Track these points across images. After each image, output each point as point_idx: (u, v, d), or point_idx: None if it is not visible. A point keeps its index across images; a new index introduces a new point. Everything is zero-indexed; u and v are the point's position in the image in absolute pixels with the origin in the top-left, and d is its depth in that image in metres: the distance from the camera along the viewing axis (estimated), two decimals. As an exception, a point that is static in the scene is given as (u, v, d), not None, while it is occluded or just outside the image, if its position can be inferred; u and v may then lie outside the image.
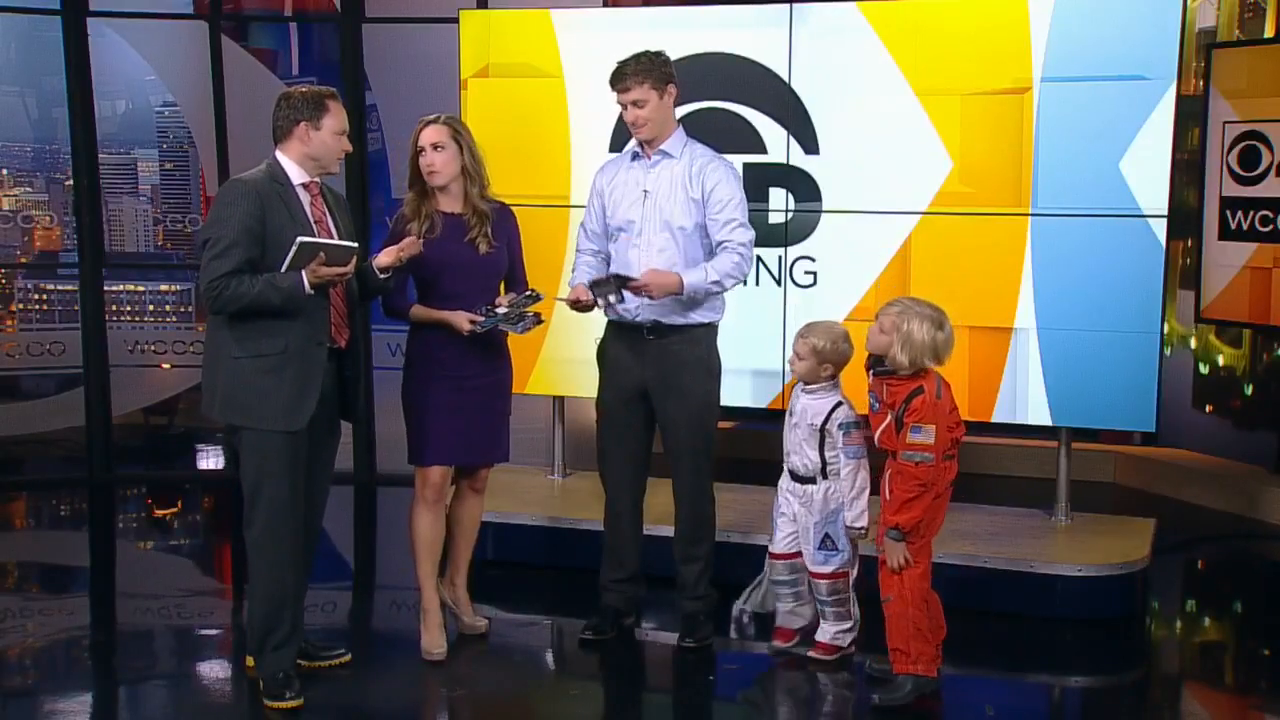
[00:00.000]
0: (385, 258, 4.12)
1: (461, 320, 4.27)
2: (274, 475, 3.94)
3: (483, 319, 4.28)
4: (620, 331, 4.49)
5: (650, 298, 4.30)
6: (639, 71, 4.32)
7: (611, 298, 4.29)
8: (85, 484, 6.84)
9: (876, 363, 4.07)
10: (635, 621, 4.73)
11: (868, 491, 4.26)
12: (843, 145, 5.29)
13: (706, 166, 4.39)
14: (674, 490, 4.58)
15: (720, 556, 4.86)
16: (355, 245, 3.96)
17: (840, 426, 4.26)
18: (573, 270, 4.61)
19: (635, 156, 4.50)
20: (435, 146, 4.30)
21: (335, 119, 4.00)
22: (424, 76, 6.69)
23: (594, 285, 4.30)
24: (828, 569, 4.34)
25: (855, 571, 4.38)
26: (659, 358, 4.42)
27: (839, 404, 4.28)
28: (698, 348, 4.44)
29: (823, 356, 4.28)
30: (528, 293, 4.36)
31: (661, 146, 4.42)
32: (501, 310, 4.29)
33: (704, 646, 4.55)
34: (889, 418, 4.03)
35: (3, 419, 7.16)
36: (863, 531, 4.29)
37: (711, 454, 4.57)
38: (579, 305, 4.37)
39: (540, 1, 5.73)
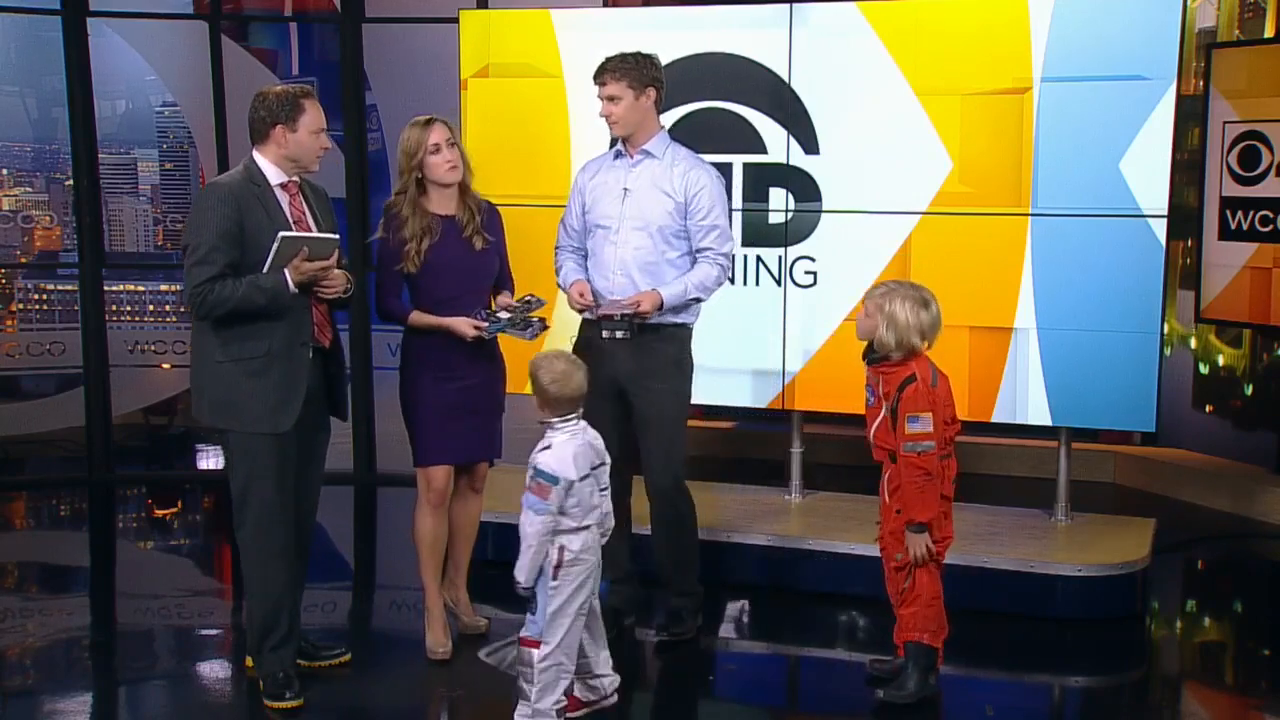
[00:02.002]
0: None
1: (465, 327, 4.27)
2: (262, 477, 3.94)
3: (487, 325, 4.28)
4: (596, 329, 4.48)
5: (644, 318, 4.33)
6: (617, 69, 4.38)
7: (619, 334, 4.33)
8: (85, 484, 6.84)
9: (869, 350, 4.06)
10: (634, 621, 4.72)
11: (530, 554, 3.68)
12: (843, 145, 5.29)
13: (689, 172, 4.42)
14: (648, 490, 4.55)
15: (719, 556, 4.87)
16: (336, 237, 3.96)
17: (531, 470, 3.73)
18: (558, 269, 4.61)
19: (618, 155, 4.53)
20: (449, 143, 4.31)
21: (312, 118, 3.97)
22: (424, 76, 6.68)
23: (603, 320, 4.32)
24: (524, 633, 3.78)
25: (547, 649, 3.73)
26: (632, 355, 4.41)
27: (546, 448, 3.73)
28: (671, 345, 4.45)
29: (536, 387, 3.78)
30: (528, 298, 4.37)
31: (644, 146, 4.46)
32: (505, 316, 4.30)
33: (680, 641, 4.54)
34: (884, 411, 4.01)
35: (3, 419, 7.15)
36: (527, 592, 3.74)
37: (683, 451, 4.57)
38: (584, 303, 4.40)
39: (540, 1, 5.73)
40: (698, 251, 4.43)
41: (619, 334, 4.33)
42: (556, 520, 3.70)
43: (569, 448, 3.73)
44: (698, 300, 4.44)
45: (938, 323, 4.00)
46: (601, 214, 4.48)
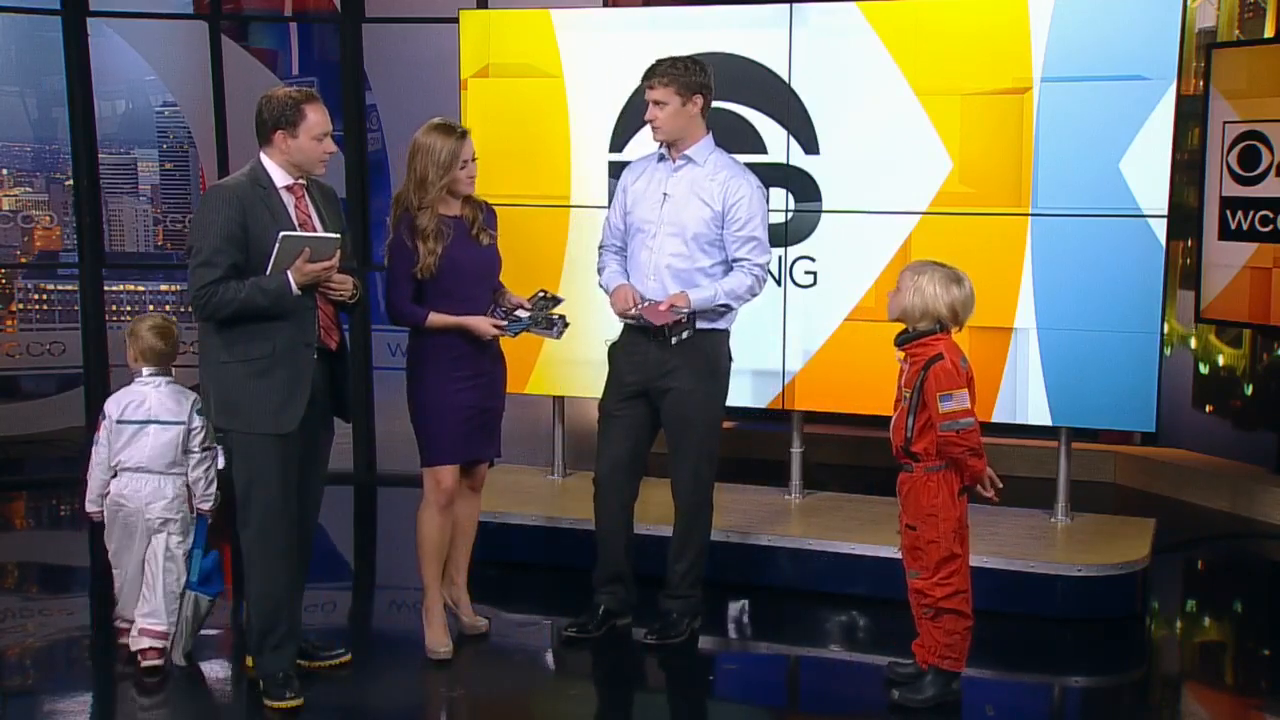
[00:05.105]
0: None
1: (485, 326, 4.29)
2: (265, 477, 3.94)
3: (507, 324, 4.29)
4: (632, 334, 4.49)
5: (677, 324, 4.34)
6: (665, 73, 4.35)
7: (685, 334, 4.35)
8: (85, 484, 6.82)
9: (899, 334, 3.99)
10: (630, 623, 4.71)
11: (91, 481, 4.40)
12: (843, 145, 5.29)
13: (730, 181, 4.40)
14: (672, 490, 4.58)
15: (720, 557, 4.86)
16: (338, 237, 3.95)
17: None
18: (600, 269, 4.62)
19: (661, 159, 4.52)
20: (473, 156, 4.31)
21: (313, 123, 3.94)
22: (424, 76, 6.69)
23: (670, 327, 4.33)
24: None
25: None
26: (661, 357, 4.41)
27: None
28: (704, 347, 4.44)
29: (133, 338, 4.34)
30: (541, 293, 4.37)
31: (686, 151, 4.43)
32: (524, 315, 4.31)
33: (665, 644, 4.53)
34: (905, 399, 3.93)
35: (3, 419, 7.16)
36: (92, 516, 4.49)
37: (714, 458, 4.57)
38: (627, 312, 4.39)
39: (540, 1, 5.72)
40: (733, 261, 4.41)
41: (685, 334, 4.35)
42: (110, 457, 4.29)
43: (131, 393, 4.30)
44: (726, 308, 4.43)
45: (970, 301, 3.92)
46: (640, 217, 4.47)
